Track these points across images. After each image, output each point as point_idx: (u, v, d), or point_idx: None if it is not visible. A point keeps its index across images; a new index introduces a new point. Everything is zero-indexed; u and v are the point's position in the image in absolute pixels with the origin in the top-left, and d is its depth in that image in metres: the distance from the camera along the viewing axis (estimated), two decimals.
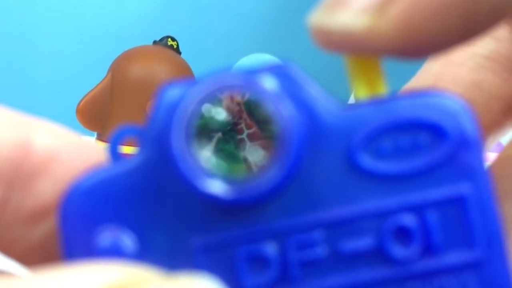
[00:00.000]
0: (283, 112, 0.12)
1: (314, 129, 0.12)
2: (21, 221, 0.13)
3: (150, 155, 0.13)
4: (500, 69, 0.18)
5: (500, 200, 0.13)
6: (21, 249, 0.14)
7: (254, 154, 0.13)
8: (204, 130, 0.12)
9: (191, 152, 0.12)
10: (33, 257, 0.14)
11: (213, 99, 0.12)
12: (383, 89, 0.14)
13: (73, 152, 0.14)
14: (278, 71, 0.13)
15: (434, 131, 0.12)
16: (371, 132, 0.12)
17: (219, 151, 0.12)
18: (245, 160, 0.13)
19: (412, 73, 0.19)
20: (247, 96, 0.12)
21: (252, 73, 0.12)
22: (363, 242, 0.12)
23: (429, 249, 0.12)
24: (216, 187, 0.12)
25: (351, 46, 0.13)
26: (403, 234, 0.12)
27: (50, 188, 0.13)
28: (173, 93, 0.13)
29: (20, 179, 0.13)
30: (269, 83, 0.12)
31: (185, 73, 0.65)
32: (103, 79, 0.64)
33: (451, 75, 0.18)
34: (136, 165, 0.13)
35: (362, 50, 0.13)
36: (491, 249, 0.12)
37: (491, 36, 0.18)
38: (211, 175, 0.12)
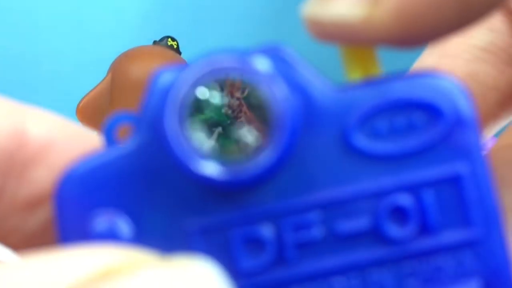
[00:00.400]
0: (276, 94, 0.12)
1: (309, 110, 0.12)
2: (17, 210, 0.13)
3: (144, 140, 0.13)
4: (496, 60, 0.18)
5: (498, 188, 0.13)
6: (18, 237, 0.14)
7: (248, 136, 0.13)
8: (205, 122, 0.12)
9: (184, 134, 0.12)
10: (31, 245, 0.14)
11: (206, 81, 0.12)
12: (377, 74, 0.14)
13: (69, 140, 0.14)
14: (271, 53, 0.13)
15: (429, 110, 0.12)
16: (366, 112, 0.12)
17: (220, 145, 0.13)
18: (239, 141, 0.13)
19: (408, 64, 0.19)
20: (240, 78, 0.12)
21: (245, 54, 0.12)
22: (359, 223, 0.12)
23: (425, 228, 0.12)
24: (210, 168, 0.12)
25: (347, 36, 0.13)
26: (399, 214, 0.12)
27: (45, 176, 0.13)
28: (165, 78, 0.13)
29: (15, 167, 0.13)
30: (262, 65, 0.12)
31: None
32: (103, 79, 0.64)
33: (447, 67, 0.18)
34: (131, 150, 0.13)
35: (357, 40, 0.13)
36: (489, 227, 0.12)
37: (487, 28, 0.18)
38: (205, 156, 0.12)
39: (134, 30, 0.96)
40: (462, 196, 0.12)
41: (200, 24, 1.03)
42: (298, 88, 0.12)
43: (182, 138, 0.12)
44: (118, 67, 0.65)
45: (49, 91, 0.95)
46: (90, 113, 0.64)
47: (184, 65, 0.13)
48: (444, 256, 0.12)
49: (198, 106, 0.12)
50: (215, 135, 0.13)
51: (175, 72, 0.13)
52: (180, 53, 0.70)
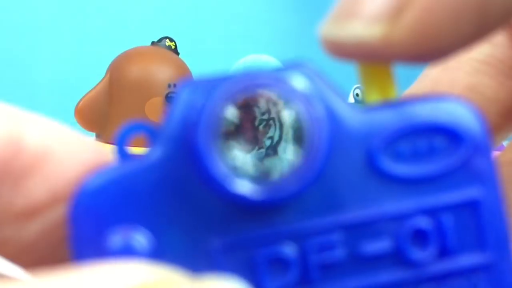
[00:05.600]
0: (312, 113, 0.12)
1: (337, 131, 0.12)
2: (11, 220, 0.13)
3: (168, 154, 0.12)
4: (495, 72, 0.18)
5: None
6: (12, 248, 0.13)
7: (283, 155, 0.12)
8: (238, 139, 0.12)
9: (218, 151, 0.12)
10: (26, 257, 0.13)
11: (241, 97, 0.12)
12: (394, 94, 0.14)
13: (67, 149, 0.13)
14: (302, 71, 0.12)
15: (450, 136, 0.13)
16: (391, 135, 0.13)
17: (254, 164, 0.12)
18: (274, 160, 0.12)
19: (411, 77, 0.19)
20: (275, 95, 0.12)
21: (281, 71, 0.12)
22: (381, 245, 0.12)
23: (444, 251, 0.12)
24: (245, 187, 0.12)
25: (365, 55, 0.13)
26: (420, 236, 0.12)
27: (42, 186, 0.13)
28: (192, 91, 0.12)
29: (10, 176, 0.12)
30: (299, 83, 0.12)
31: (183, 74, 0.65)
32: (101, 80, 0.64)
33: (448, 80, 0.18)
34: (152, 164, 0.12)
35: (376, 58, 0.13)
36: (501, 252, 0.12)
37: (486, 41, 0.18)
38: (239, 175, 0.12)
39: (132, 31, 0.96)
40: (479, 221, 0.12)
41: (198, 25, 1.03)
42: (327, 108, 0.12)
43: (216, 156, 0.12)
44: (116, 68, 0.65)
45: (48, 91, 0.95)
46: (88, 113, 0.63)
47: (211, 79, 0.12)
48: (460, 279, 0.12)
49: (232, 124, 0.12)
50: (249, 153, 0.12)
51: (202, 86, 0.12)
52: (178, 53, 0.70)
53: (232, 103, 0.12)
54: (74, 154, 0.13)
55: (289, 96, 0.12)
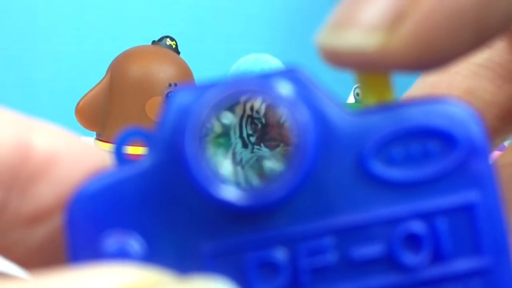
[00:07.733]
0: (298, 118, 0.12)
1: (327, 135, 0.12)
2: (20, 224, 0.13)
3: (160, 160, 0.12)
4: (494, 76, 0.18)
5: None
6: (20, 252, 0.14)
7: (269, 161, 0.12)
8: (224, 145, 0.12)
9: (204, 157, 0.12)
10: (32, 260, 0.14)
11: (227, 104, 0.12)
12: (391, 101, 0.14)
13: (74, 155, 0.13)
14: (291, 76, 0.12)
15: (444, 138, 0.12)
16: (382, 139, 0.12)
17: (240, 169, 0.12)
18: (260, 166, 0.13)
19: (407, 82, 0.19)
20: (262, 102, 0.12)
21: (267, 78, 0.12)
22: (373, 249, 0.12)
23: (438, 256, 0.12)
24: (230, 193, 0.12)
25: (363, 64, 0.13)
26: (413, 241, 0.12)
27: (49, 191, 0.13)
28: (184, 97, 0.12)
29: (19, 181, 0.13)
30: (284, 89, 0.12)
31: (184, 73, 0.65)
32: (102, 79, 0.64)
33: (447, 83, 0.18)
34: (145, 169, 0.12)
35: (374, 68, 0.13)
36: (498, 256, 0.12)
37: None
38: (224, 181, 0.12)
39: (133, 30, 0.96)
40: (475, 225, 0.12)
41: (198, 24, 1.03)
42: (317, 112, 0.12)
43: (202, 162, 0.12)
44: (117, 67, 0.65)
45: (49, 91, 0.95)
46: (89, 113, 0.63)
47: (202, 86, 0.12)
48: (455, 283, 0.12)
49: (218, 130, 0.12)
50: (235, 159, 0.12)
51: (194, 92, 0.12)
52: (179, 53, 0.70)
53: (220, 109, 0.12)
54: (80, 159, 0.13)
55: (275, 102, 0.12)
